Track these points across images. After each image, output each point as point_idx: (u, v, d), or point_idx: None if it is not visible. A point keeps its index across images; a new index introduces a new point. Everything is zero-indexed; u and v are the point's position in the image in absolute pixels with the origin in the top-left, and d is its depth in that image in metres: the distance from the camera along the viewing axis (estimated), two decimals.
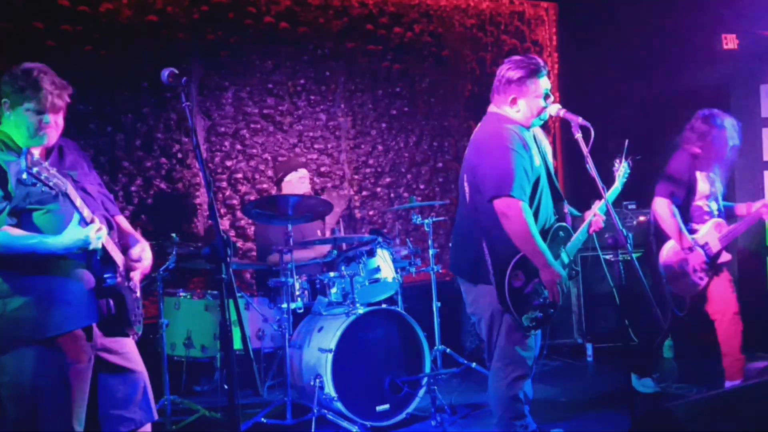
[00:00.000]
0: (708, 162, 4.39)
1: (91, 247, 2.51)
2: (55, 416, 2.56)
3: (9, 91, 2.59)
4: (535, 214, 3.28)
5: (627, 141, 3.81)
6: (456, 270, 3.52)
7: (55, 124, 2.64)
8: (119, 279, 2.68)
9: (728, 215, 4.51)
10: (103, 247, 2.60)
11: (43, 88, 2.56)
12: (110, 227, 2.78)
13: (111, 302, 2.68)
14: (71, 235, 2.49)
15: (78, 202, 2.50)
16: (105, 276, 2.64)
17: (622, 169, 3.76)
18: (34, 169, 2.33)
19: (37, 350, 2.54)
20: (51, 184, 2.38)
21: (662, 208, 4.34)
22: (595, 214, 3.42)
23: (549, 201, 3.40)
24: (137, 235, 2.95)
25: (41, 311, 2.54)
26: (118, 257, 2.71)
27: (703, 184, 4.40)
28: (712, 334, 4.52)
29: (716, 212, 4.44)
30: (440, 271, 5.31)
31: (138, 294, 2.85)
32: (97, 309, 2.65)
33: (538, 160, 3.30)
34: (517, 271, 3.20)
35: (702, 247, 4.33)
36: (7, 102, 2.60)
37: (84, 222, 2.51)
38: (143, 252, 2.87)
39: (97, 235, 2.51)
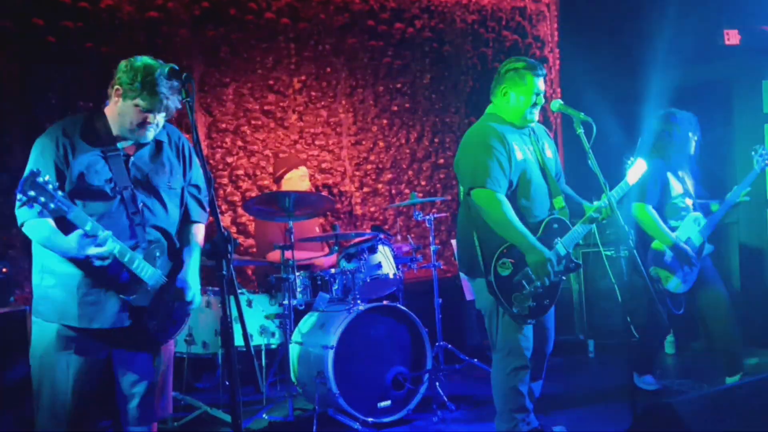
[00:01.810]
0: (674, 160, 4.44)
1: (93, 261, 2.49)
2: (53, 397, 2.59)
3: (125, 81, 2.59)
4: (526, 208, 3.36)
5: (640, 139, 3.81)
6: (460, 266, 3.61)
7: (157, 125, 2.66)
8: (138, 298, 2.64)
9: (705, 212, 4.56)
10: (127, 266, 2.58)
11: (160, 93, 2.57)
12: (168, 244, 2.76)
13: (130, 317, 2.65)
14: (67, 243, 2.49)
15: (73, 216, 2.44)
16: (130, 292, 2.63)
17: (636, 166, 3.75)
18: (30, 193, 2.31)
19: (52, 331, 2.60)
20: (50, 208, 2.36)
21: (641, 212, 4.38)
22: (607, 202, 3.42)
23: (543, 195, 3.44)
24: (194, 251, 2.88)
25: (65, 298, 2.59)
26: (150, 277, 2.65)
27: (674, 183, 4.44)
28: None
29: (692, 207, 4.48)
30: (441, 267, 5.31)
31: (175, 314, 2.78)
32: (114, 316, 2.63)
33: (520, 155, 3.37)
34: (504, 259, 3.27)
35: (686, 242, 4.36)
36: (119, 89, 2.61)
37: (86, 236, 2.46)
38: (185, 292, 2.76)
39: (95, 253, 2.47)
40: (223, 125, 5.64)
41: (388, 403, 4.23)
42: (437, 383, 4.24)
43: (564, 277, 3.42)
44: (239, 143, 5.70)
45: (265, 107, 5.80)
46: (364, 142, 6.26)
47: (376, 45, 6.28)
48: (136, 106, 2.59)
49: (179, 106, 2.66)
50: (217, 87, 5.61)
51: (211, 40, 5.56)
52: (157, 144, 2.78)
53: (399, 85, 6.41)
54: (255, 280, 5.62)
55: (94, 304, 2.60)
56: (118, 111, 2.64)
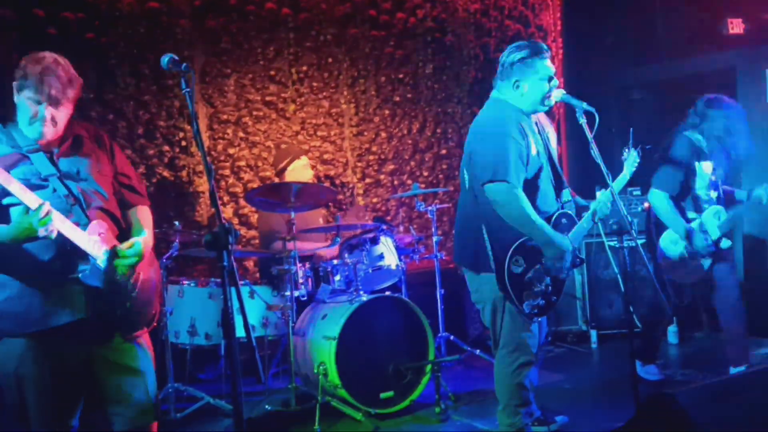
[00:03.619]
0: (709, 149, 4.29)
1: (39, 234, 2.42)
2: (41, 407, 2.57)
3: (18, 75, 2.58)
4: (536, 201, 3.28)
5: (632, 129, 3.78)
6: (459, 259, 3.52)
7: (52, 119, 2.61)
8: (90, 276, 2.59)
9: (728, 201, 4.46)
10: (70, 240, 2.53)
11: (45, 80, 2.54)
12: (116, 225, 2.75)
13: (88, 300, 2.60)
14: (17, 224, 2.44)
15: (14, 188, 2.42)
16: (79, 269, 2.58)
17: (630, 158, 3.72)
18: None
19: (23, 342, 2.56)
20: None
21: (658, 199, 4.28)
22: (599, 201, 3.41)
23: (550, 188, 3.39)
24: (146, 229, 2.85)
25: (23, 307, 2.55)
26: (95, 250, 2.61)
27: (703, 173, 4.31)
28: (716, 320, 4.51)
29: (716, 200, 4.36)
30: (444, 258, 5.30)
31: (136, 293, 2.73)
32: (78, 306, 2.59)
33: (535, 149, 3.29)
34: (517, 256, 3.21)
35: (702, 235, 4.28)
36: (16, 84, 2.60)
37: (27, 211, 2.43)
38: (130, 248, 2.69)
39: (43, 220, 2.41)
40: (225, 116, 5.62)
41: (390, 393, 4.23)
42: (439, 374, 4.23)
43: (569, 273, 3.40)
44: (241, 134, 5.69)
45: (267, 98, 5.78)
46: (366, 133, 6.24)
47: (377, 35, 6.24)
48: (28, 98, 2.56)
49: (70, 96, 2.63)
50: (218, 78, 5.59)
51: (211, 31, 5.53)
52: (77, 138, 2.75)
53: (401, 76, 6.38)
54: (257, 271, 5.62)
55: (54, 301, 2.56)
56: (18, 109, 2.62)
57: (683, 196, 4.32)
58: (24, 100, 2.57)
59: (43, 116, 2.59)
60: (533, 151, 3.27)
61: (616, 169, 3.62)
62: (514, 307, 3.24)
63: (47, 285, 2.57)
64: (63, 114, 2.65)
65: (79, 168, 2.70)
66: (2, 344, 2.58)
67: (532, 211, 3.17)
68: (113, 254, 2.65)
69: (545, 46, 3.34)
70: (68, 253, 2.57)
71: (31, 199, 2.43)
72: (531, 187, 3.28)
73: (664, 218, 4.29)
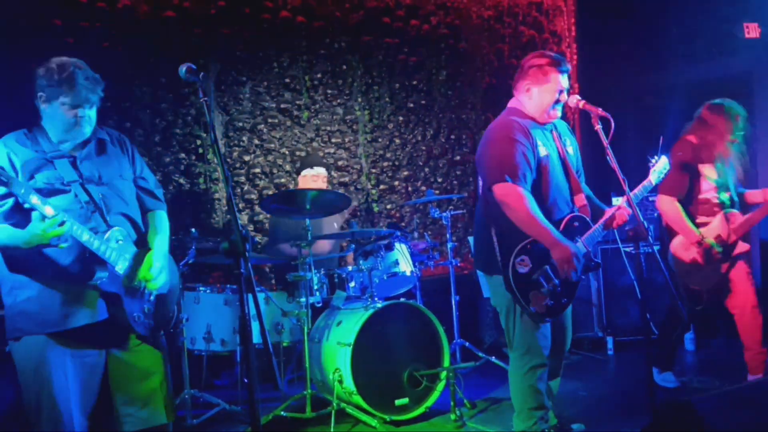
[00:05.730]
0: (711, 152, 4.25)
1: (50, 242, 2.49)
2: (55, 405, 2.60)
3: (45, 85, 2.63)
4: (547, 205, 3.30)
5: (662, 137, 3.77)
6: (476, 263, 3.57)
7: (89, 118, 2.69)
8: (108, 283, 2.66)
9: (742, 203, 4.39)
10: (87, 248, 2.59)
11: (78, 83, 2.61)
12: (134, 231, 2.81)
13: (106, 303, 2.68)
14: (30, 230, 2.49)
15: (34, 200, 2.48)
16: (97, 276, 2.64)
17: (660, 165, 3.70)
18: None
19: (41, 341, 2.62)
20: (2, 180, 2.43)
21: (666, 204, 4.28)
22: (620, 207, 3.40)
23: (564, 192, 3.40)
24: (155, 236, 2.90)
25: (42, 307, 2.61)
26: (115, 260, 2.68)
27: (708, 176, 4.27)
28: (733, 327, 4.46)
29: (728, 202, 4.30)
30: (458, 264, 5.29)
31: (153, 298, 2.81)
32: (96, 309, 2.65)
33: (544, 151, 3.32)
34: (523, 257, 3.22)
35: (714, 239, 4.25)
36: (42, 95, 2.65)
37: (42, 217, 2.49)
38: (154, 269, 2.78)
39: (57, 231, 2.48)
40: (240, 124, 5.67)
41: (405, 400, 4.23)
42: (454, 380, 4.22)
43: (583, 276, 3.39)
44: (256, 141, 5.73)
45: (282, 105, 5.82)
46: (380, 140, 6.26)
47: (391, 42, 6.27)
48: (63, 104, 2.62)
49: (101, 95, 2.70)
50: (233, 86, 5.64)
51: (227, 39, 5.58)
52: (100, 142, 2.82)
53: (415, 82, 6.40)
54: (272, 277, 5.64)
55: (73, 303, 2.62)
56: (49, 118, 2.68)
57: (690, 200, 4.30)
58: (58, 106, 2.63)
59: (83, 116, 2.66)
60: (542, 153, 3.31)
61: (631, 175, 3.59)
62: (522, 308, 3.25)
63: (66, 288, 2.63)
64: (94, 113, 2.73)
65: (100, 172, 2.77)
66: (23, 343, 2.64)
67: (539, 213, 3.20)
68: (134, 272, 2.71)
69: (566, 62, 3.39)
70: (87, 260, 2.63)
71: (47, 208, 2.48)
72: (541, 190, 3.31)
73: (673, 223, 4.28)
